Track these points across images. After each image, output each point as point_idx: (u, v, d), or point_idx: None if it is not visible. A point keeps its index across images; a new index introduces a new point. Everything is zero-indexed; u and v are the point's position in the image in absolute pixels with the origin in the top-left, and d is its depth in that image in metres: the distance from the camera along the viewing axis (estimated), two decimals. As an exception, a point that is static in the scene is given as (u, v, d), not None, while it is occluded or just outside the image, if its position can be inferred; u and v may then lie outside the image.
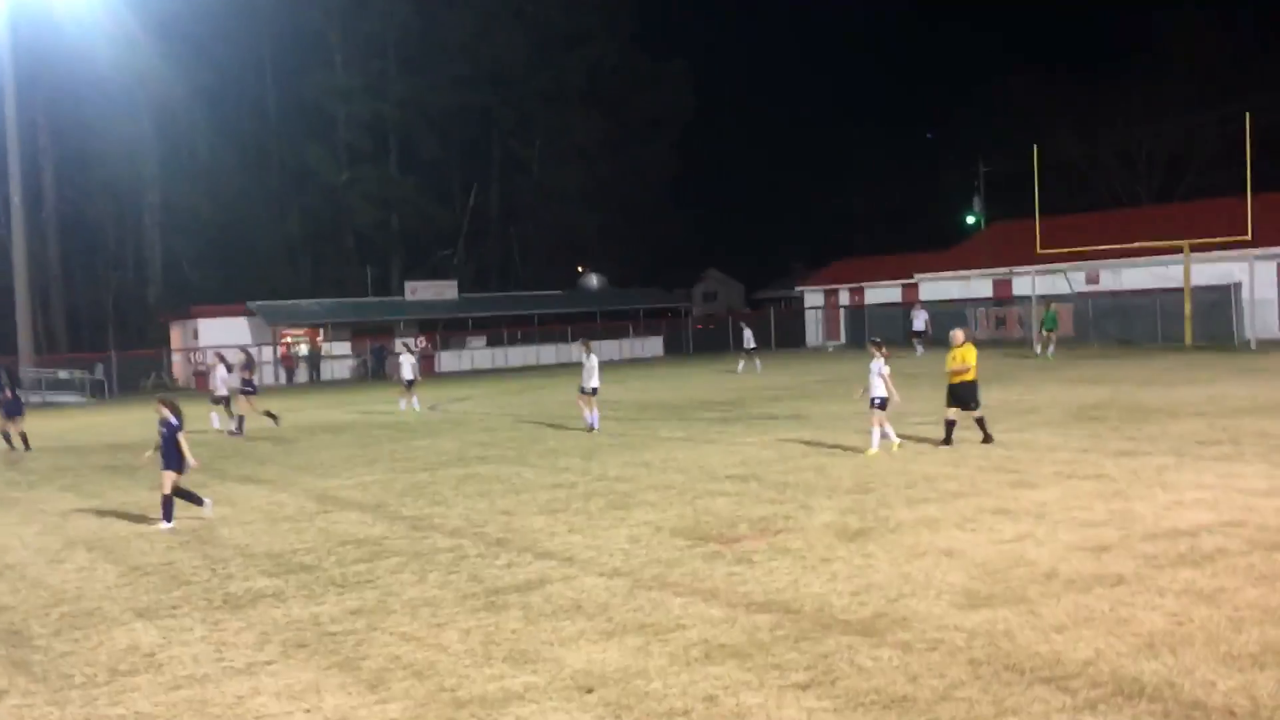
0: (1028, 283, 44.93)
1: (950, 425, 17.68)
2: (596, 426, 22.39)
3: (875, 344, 17.93)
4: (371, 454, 21.18)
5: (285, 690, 7.75)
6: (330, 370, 53.46)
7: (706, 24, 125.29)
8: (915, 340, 43.74)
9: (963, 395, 17.79)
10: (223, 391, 28.05)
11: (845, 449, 17.77)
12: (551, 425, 24.79)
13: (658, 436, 21.31)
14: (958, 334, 18.31)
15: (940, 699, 6.86)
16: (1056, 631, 7.98)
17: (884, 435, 17.34)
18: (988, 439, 17.47)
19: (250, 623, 9.53)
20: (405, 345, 35.76)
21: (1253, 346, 35.32)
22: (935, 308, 50.41)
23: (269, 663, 8.39)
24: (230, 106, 67.10)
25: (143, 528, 14.36)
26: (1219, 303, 39.10)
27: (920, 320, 44.80)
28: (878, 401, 17.27)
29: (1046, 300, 39.69)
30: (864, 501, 13.32)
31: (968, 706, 6.69)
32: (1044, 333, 38.19)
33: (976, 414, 17.78)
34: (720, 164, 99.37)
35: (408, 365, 31.33)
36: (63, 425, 32.69)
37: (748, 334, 41.88)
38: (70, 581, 11.46)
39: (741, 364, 40.55)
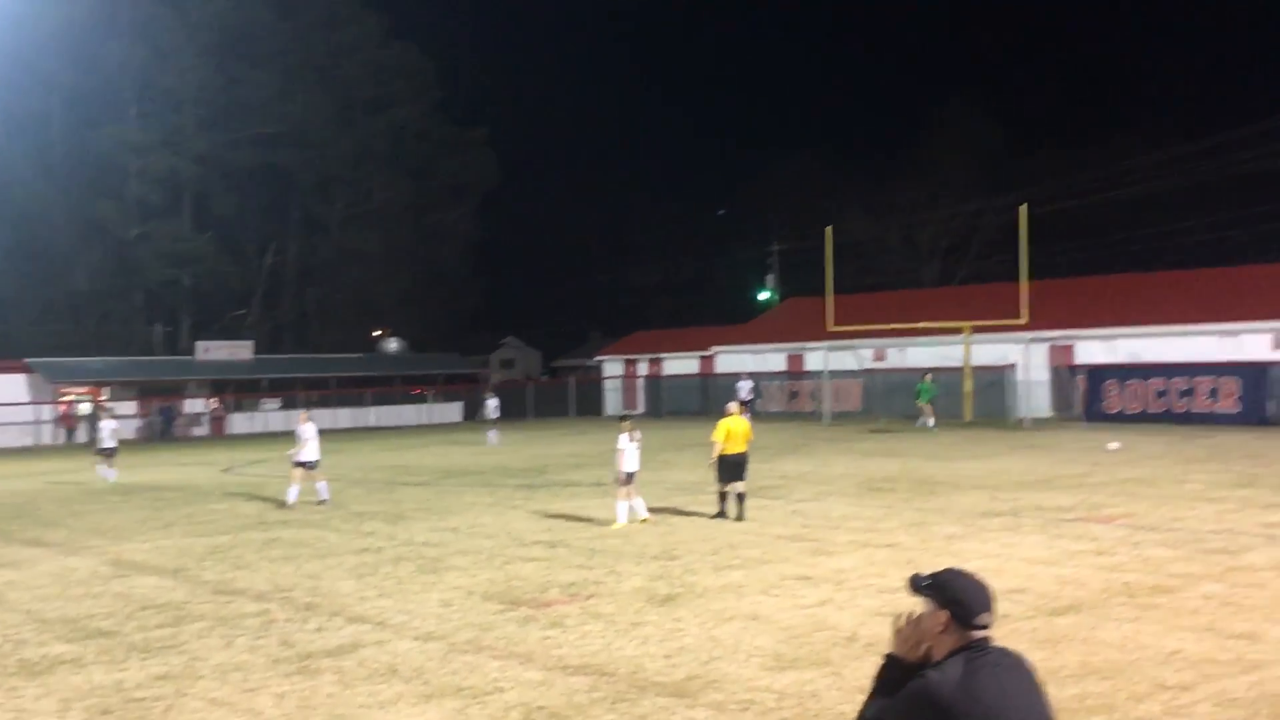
0: (818, 358, 46.51)
1: (723, 498, 17.73)
2: (326, 499, 21.23)
3: (624, 419, 18.37)
4: (166, 516, 20.54)
5: (94, 757, 7.57)
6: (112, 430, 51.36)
7: (509, 94, 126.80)
8: (743, 410, 44.60)
9: (732, 468, 17.68)
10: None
11: (649, 520, 18.10)
12: (353, 488, 24.49)
13: (463, 502, 21.30)
14: (730, 406, 18.71)
15: (754, 755, 7.16)
16: (860, 692, 8.29)
17: (631, 508, 17.33)
18: (740, 517, 17.34)
19: (49, 689, 9.23)
20: (105, 409, 33.30)
21: (1026, 424, 37.28)
22: (732, 381, 51.65)
23: (74, 730, 8.16)
24: (15, 154, 64.36)
25: (-78, 592, 13.66)
26: (996, 382, 41.18)
27: (745, 389, 45.60)
28: (624, 476, 17.28)
29: (923, 371, 40.37)
30: (671, 568, 13.65)
31: (781, 761, 7.00)
32: (921, 404, 37.72)
33: (740, 488, 17.61)
34: (520, 232, 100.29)
35: (107, 431, 28.93)
36: None
37: (492, 403, 40.46)
38: None
39: (493, 434, 39.00)
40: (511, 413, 59.34)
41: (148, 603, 12.56)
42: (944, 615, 3.70)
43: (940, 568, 3.87)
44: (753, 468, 25.81)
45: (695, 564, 13.85)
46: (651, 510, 17.90)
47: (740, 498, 17.57)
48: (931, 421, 36.73)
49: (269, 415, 55.32)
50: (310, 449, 21.44)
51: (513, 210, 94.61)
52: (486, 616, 11.35)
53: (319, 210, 78.68)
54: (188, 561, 15.32)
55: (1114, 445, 27.56)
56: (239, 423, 54.82)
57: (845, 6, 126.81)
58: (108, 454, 28.61)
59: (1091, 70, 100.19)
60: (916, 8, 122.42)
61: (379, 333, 77.17)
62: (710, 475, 18.33)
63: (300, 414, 23.20)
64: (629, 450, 17.42)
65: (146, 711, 8.55)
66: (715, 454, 17.71)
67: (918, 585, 3.80)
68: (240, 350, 59.05)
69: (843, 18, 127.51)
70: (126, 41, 65.96)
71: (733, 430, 17.77)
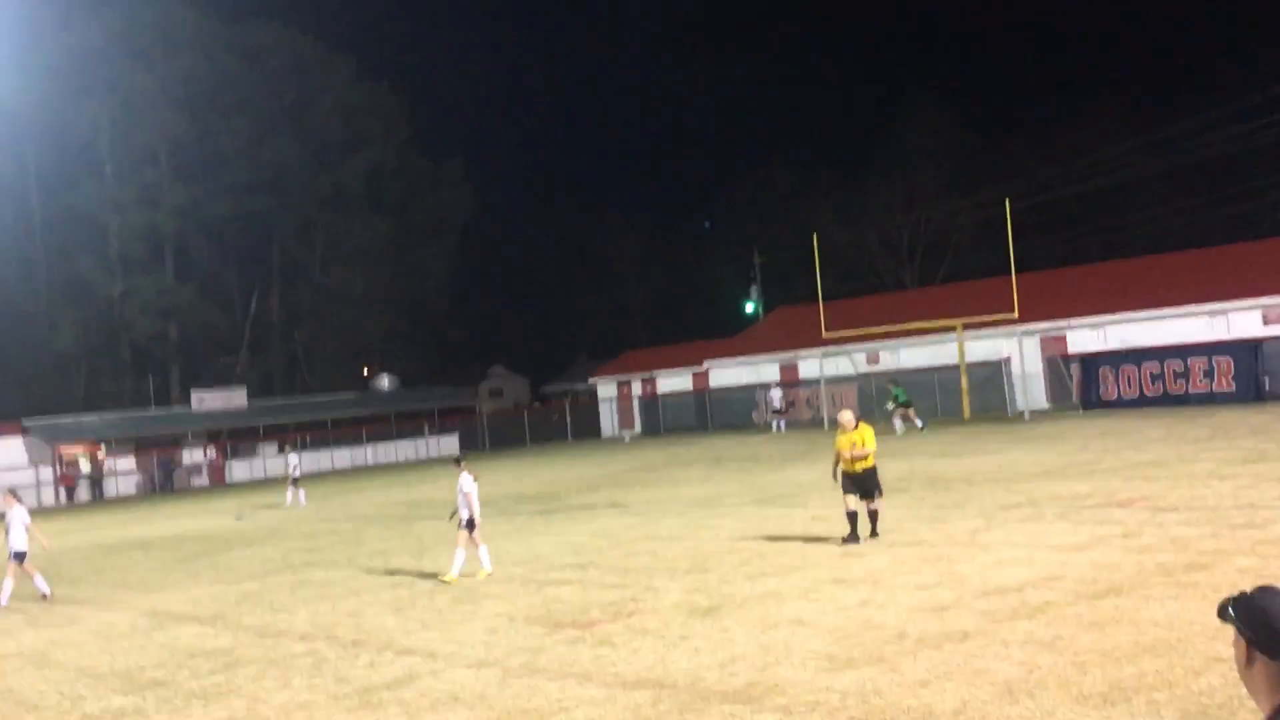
0: (812, 365, 46.74)
1: (853, 517, 15.52)
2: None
3: (458, 461, 17.00)
4: (191, 567, 20.63)
5: (182, 801, 7.69)
6: (114, 487, 51.37)
7: (481, 124, 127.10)
8: (774, 419, 44.74)
9: (864, 483, 15.69)
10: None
11: (673, 536, 18.24)
12: (370, 525, 24.60)
13: (485, 531, 21.35)
14: (849, 416, 16.23)
15: (830, 753, 7.33)
16: (921, 686, 8.56)
17: (473, 558, 15.92)
18: (875, 534, 15.55)
19: (119, 741, 9.34)
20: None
21: (1026, 417, 37.52)
22: (727, 394, 51.87)
23: (154, 777, 8.28)
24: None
25: (-34, 657, 13.73)
26: (991, 377, 41.47)
27: (777, 398, 45.67)
28: (467, 523, 15.85)
29: (890, 379, 40.62)
30: (705, 580, 13.81)
31: (861, 755, 7.17)
32: (897, 409, 37.05)
33: (875, 504, 15.75)
34: (501, 261, 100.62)
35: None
36: None
37: (292, 459, 34.22)
38: (-94, 716, 10.94)
39: (290, 495, 33.21)
40: (509, 440, 59.55)
41: (195, 651, 12.66)
42: (1242, 645, 2.97)
43: (1251, 588, 3.08)
44: (765, 478, 26.18)
45: (728, 575, 14.00)
46: (675, 523, 18.01)
47: (873, 515, 15.62)
48: (920, 422, 36.74)
49: (268, 461, 55.27)
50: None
51: (492, 239, 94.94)
52: (534, 640, 11.48)
53: (300, 254, 78.89)
54: (224, 608, 15.42)
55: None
56: (238, 469, 54.79)
57: (808, 13, 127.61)
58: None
59: (1056, 57, 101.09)
60: (874, 9, 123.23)
61: (366, 371, 77.24)
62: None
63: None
64: (471, 493, 15.91)
65: (221, 755, 8.67)
66: (837, 467, 15.90)
67: (1222, 613, 3.05)
68: (234, 398, 59.05)
69: (807, 23, 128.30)
70: (98, 99, 66.18)
71: (847, 443, 15.80)
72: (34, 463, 49.31)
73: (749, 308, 71.42)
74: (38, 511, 45.37)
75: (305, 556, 20.33)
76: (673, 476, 29.22)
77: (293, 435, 55.35)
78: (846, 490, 15.64)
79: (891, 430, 35.86)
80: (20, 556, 17.91)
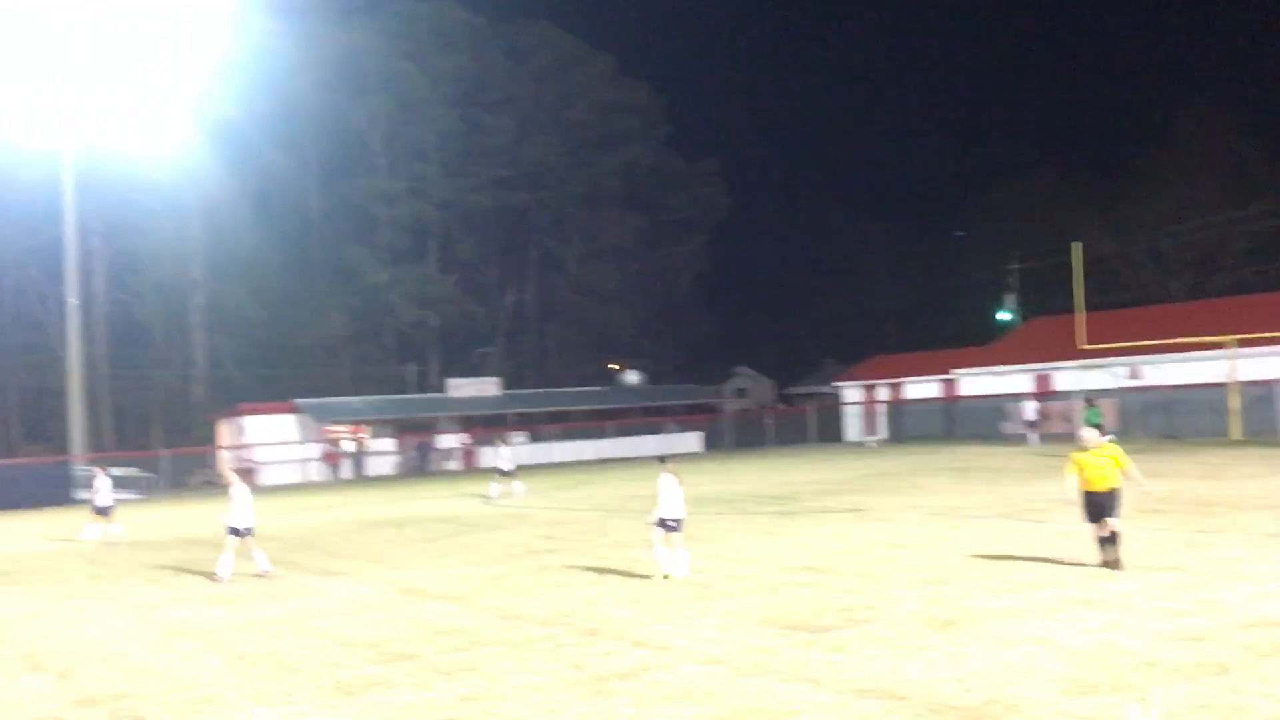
0: (1068, 377, 45.12)
1: (1104, 542, 14.58)
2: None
3: (662, 460, 16.74)
4: (441, 547, 21.48)
5: (422, 771, 8.00)
6: (375, 466, 53.84)
7: (737, 125, 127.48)
8: (1027, 431, 43.55)
9: (1106, 503, 14.69)
10: (106, 502, 27.96)
11: (913, 545, 17.92)
12: (612, 518, 25.03)
13: (721, 529, 21.49)
14: (1092, 433, 15.46)
15: (1067, 779, 7.06)
16: (1173, 718, 8.16)
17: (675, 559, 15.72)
18: (1112, 563, 14.46)
19: (366, 708, 9.78)
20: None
21: (1300, 441, 35.34)
22: (976, 404, 50.58)
23: (397, 746, 8.64)
24: (275, 208, 68.44)
25: (237, 618, 14.65)
26: (1263, 398, 39.17)
27: (1031, 410, 44.45)
28: (671, 522, 15.71)
29: (1087, 397, 39.54)
30: (944, 592, 13.51)
31: (1100, 785, 6.89)
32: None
33: (1115, 527, 14.58)
34: (750, 261, 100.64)
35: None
36: (126, 521, 32.93)
37: (505, 452, 35.25)
38: (179, 669, 11.74)
39: (495, 488, 33.42)
40: (752, 440, 59.62)
41: (440, 628, 13.16)
42: None
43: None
44: (1012, 490, 25.40)
45: (969, 588, 13.66)
46: (916, 532, 17.66)
47: (1111, 538, 14.54)
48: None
49: (516, 449, 56.87)
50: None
51: (742, 239, 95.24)
52: (765, 641, 11.47)
53: (556, 249, 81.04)
54: (469, 588, 15.97)
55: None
56: (487, 456, 56.59)
57: (1076, 16, 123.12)
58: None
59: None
60: (1150, 14, 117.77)
61: (615, 365, 78.65)
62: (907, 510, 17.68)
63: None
64: (671, 493, 15.75)
65: (459, 730, 8.98)
66: (1069, 491, 15.14)
67: None
68: (488, 386, 61.12)
69: (1076, 26, 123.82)
70: (374, 97, 69.52)
71: (1091, 465, 14.85)
72: (304, 439, 52.11)
73: (1003, 316, 69.46)
74: (304, 486, 48.21)
75: (547, 544, 20.85)
76: (916, 485, 28.70)
77: (514, 429, 56.90)
78: (1087, 512, 14.83)
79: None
80: (240, 532, 18.26)
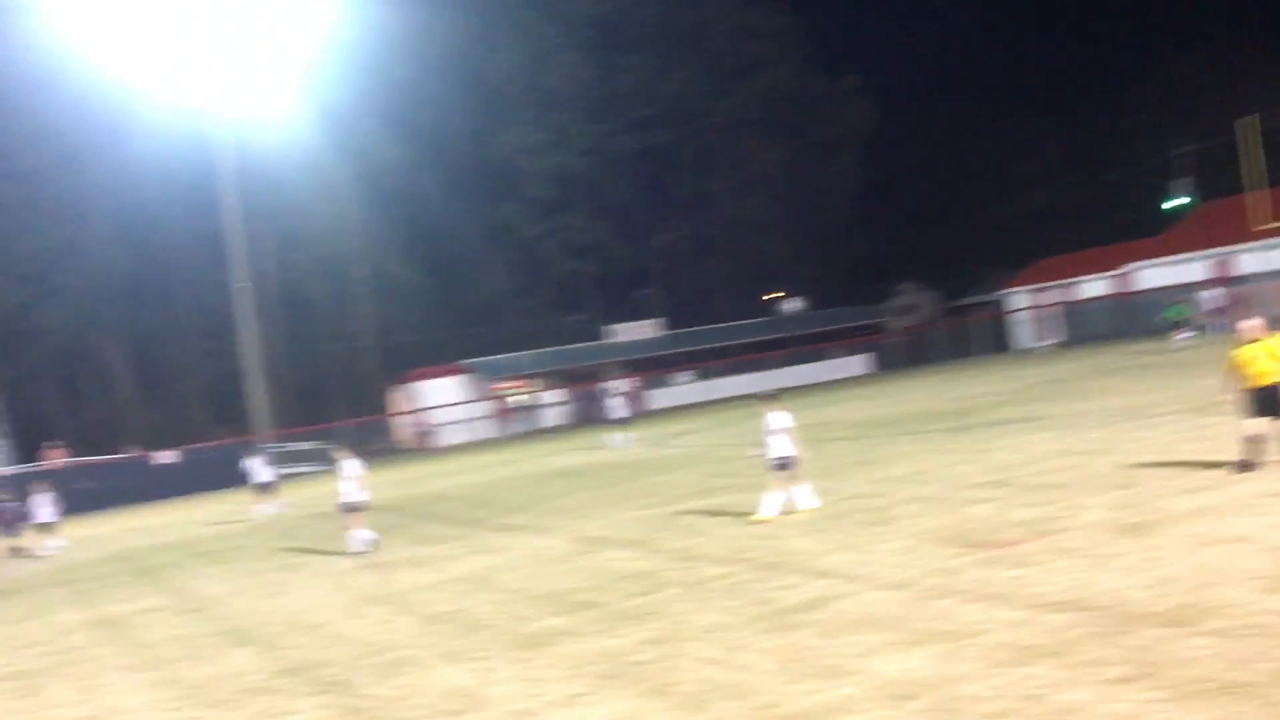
0: (1253, 260, 43.16)
1: (1253, 442, 13.51)
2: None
3: (767, 398, 16.19)
4: (614, 493, 21.68)
5: (611, 718, 8.08)
6: (545, 418, 54.72)
7: (877, 35, 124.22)
8: (1209, 322, 41.96)
9: (1268, 402, 13.57)
10: (266, 478, 29.12)
11: (1096, 450, 17.39)
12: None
13: (895, 451, 21.22)
14: (1252, 325, 14.21)
15: (1275, 683, 6.76)
16: (1385, 608, 7.76)
17: (788, 498, 15.48)
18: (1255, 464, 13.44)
19: (556, 659, 9.92)
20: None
21: None
22: (1152, 297, 48.79)
23: (586, 694, 8.74)
24: (426, 173, 69.54)
25: (423, 580, 15.03)
26: None
27: (1213, 299, 42.78)
28: (778, 463, 15.47)
29: (1174, 295, 38.66)
30: (1133, 496, 13.07)
31: (1312, 686, 6.58)
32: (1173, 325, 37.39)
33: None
34: (905, 175, 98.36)
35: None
36: (312, 493, 34.18)
37: (617, 402, 35.25)
38: (374, 634, 12.09)
39: (619, 438, 33.43)
40: (921, 357, 58.74)
41: (621, 574, 13.28)
42: None
43: None
44: (1201, 384, 24.36)
45: (1159, 489, 13.19)
46: (1099, 436, 17.10)
47: (1261, 437, 13.44)
48: (1181, 339, 36.19)
49: (682, 389, 57.17)
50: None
51: (894, 153, 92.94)
52: (948, 561, 11.26)
53: (703, 183, 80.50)
54: (645, 533, 16.07)
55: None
56: (656, 398, 56.96)
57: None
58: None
59: None
60: None
61: (774, 295, 78.10)
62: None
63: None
64: (773, 434, 15.45)
65: (647, 673, 9.04)
66: (1234, 386, 14.03)
67: None
68: (649, 329, 61.45)
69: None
70: (508, 52, 69.97)
71: (1255, 358, 13.73)
72: (474, 398, 53.20)
73: (1174, 203, 66.68)
74: (478, 444, 49.24)
75: (720, 481, 20.86)
76: (1095, 387, 27.85)
77: (621, 376, 57.21)
78: (1249, 410, 13.64)
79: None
80: (352, 508, 18.34)
